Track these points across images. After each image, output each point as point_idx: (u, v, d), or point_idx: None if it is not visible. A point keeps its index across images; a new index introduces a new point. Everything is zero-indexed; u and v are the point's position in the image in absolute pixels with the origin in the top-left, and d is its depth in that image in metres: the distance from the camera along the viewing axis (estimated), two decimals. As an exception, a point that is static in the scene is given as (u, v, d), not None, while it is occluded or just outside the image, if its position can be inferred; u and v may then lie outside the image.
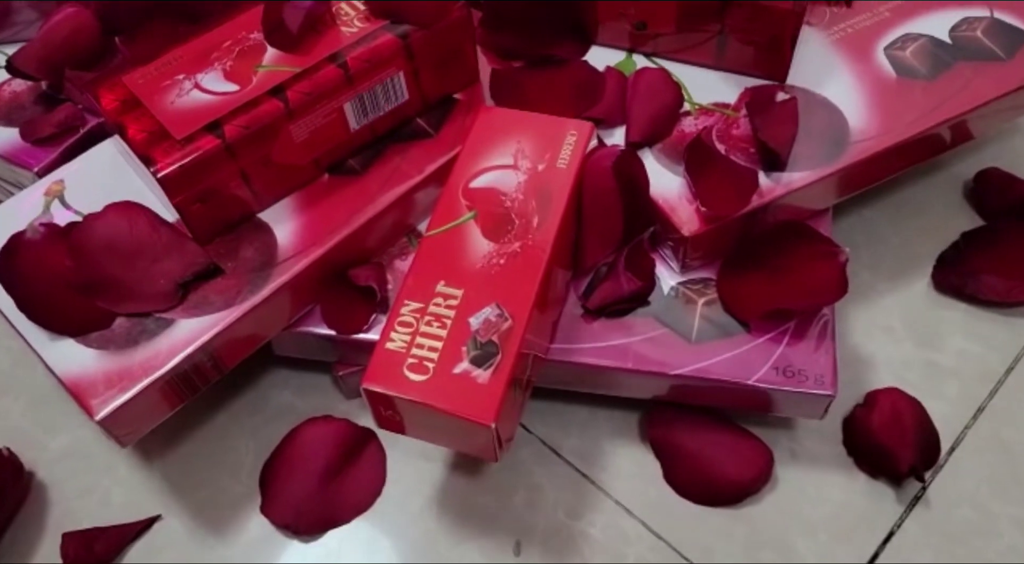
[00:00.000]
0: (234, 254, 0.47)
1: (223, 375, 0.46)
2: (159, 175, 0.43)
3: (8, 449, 0.49)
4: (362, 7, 0.48)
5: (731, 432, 0.49)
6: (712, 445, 0.48)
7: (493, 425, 0.39)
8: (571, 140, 0.46)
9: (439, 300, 0.42)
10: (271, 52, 0.47)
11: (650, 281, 0.48)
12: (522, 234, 0.44)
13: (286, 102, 0.45)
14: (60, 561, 0.47)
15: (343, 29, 0.47)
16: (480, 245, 0.43)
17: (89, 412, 0.42)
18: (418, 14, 0.47)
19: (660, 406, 0.49)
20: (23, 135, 0.52)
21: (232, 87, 0.45)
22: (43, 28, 0.53)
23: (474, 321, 0.41)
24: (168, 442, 0.52)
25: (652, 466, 0.49)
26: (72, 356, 0.43)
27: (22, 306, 0.44)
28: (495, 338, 0.41)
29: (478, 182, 0.46)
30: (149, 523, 0.49)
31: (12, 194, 0.55)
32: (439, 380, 0.40)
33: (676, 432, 0.49)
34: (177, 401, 0.45)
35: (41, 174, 0.51)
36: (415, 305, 0.42)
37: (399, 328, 0.41)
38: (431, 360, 0.40)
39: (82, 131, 0.52)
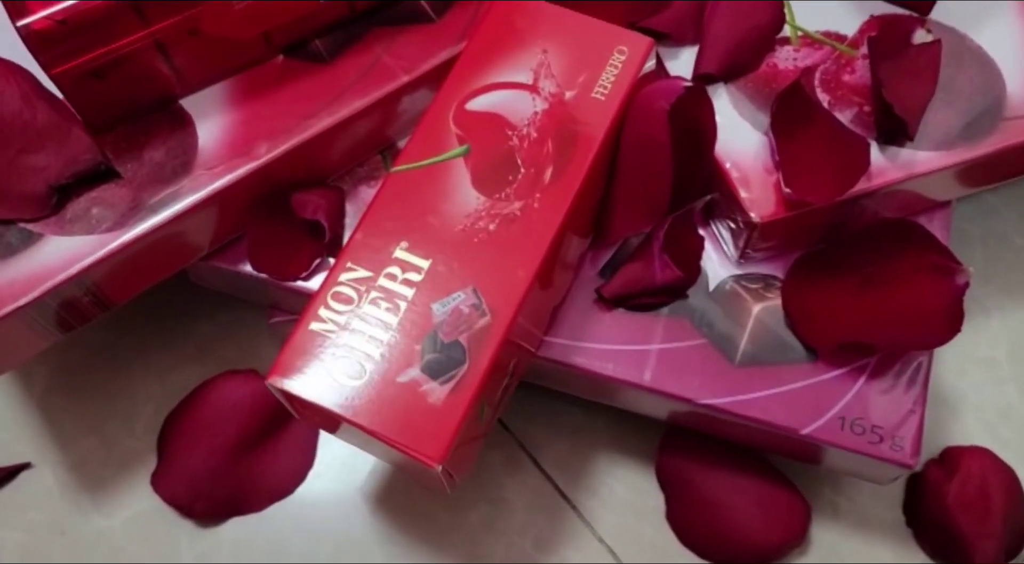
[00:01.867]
0: (136, 153, 0.34)
1: (108, 311, 0.35)
2: (28, 29, 0.30)
3: None
4: None
5: (762, 476, 0.37)
6: (735, 490, 0.37)
7: (439, 467, 0.28)
8: (618, 60, 0.33)
9: (395, 270, 0.30)
10: None
11: (694, 270, 0.35)
12: (526, 190, 0.31)
13: (224, -52, 0.31)
14: None
15: None
16: (466, 197, 0.31)
17: (-95, 351, 0.31)
18: None
19: (678, 426, 0.38)
20: None
21: (151, -86, 0.32)
22: None
23: (438, 309, 0.29)
24: (54, 370, 0.41)
25: (654, 498, 0.38)
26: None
27: None
28: (463, 339, 0.29)
29: (478, 103, 0.33)
30: (15, 471, 0.39)
31: None
32: (376, 389, 0.28)
33: (692, 464, 0.38)
34: (41, 341, 0.34)
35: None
36: (360, 272, 0.30)
37: (333, 302, 0.29)
38: (369, 357, 0.29)
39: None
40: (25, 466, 0.39)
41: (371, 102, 0.35)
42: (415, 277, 0.30)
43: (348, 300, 0.29)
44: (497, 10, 0.34)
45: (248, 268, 0.36)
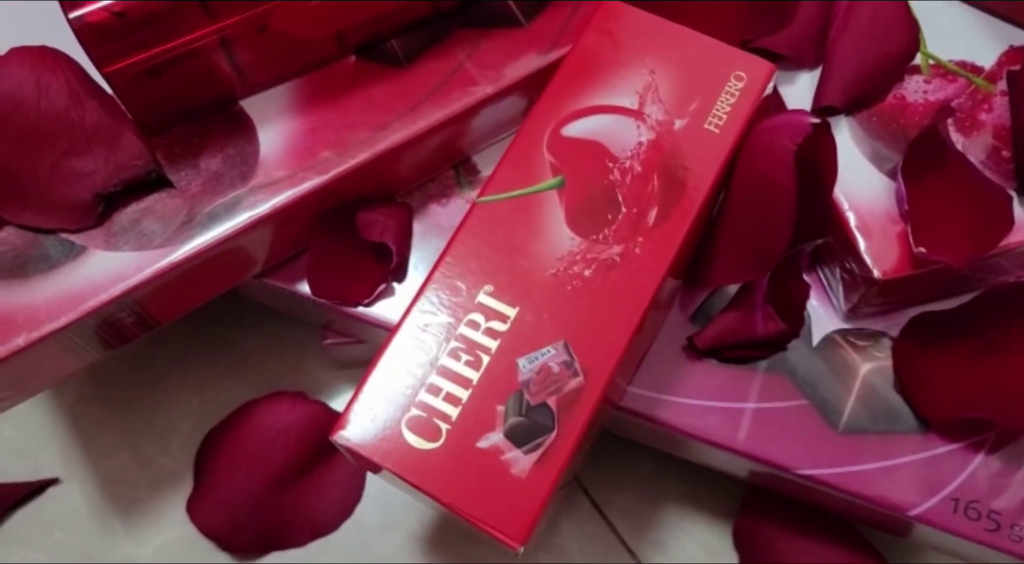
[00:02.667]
0: (191, 160, 0.31)
1: (151, 331, 0.32)
2: (81, 23, 0.27)
3: None
4: None
5: (848, 545, 0.34)
6: (821, 559, 0.34)
7: (521, 549, 0.25)
8: (735, 87, 0.29)
9: (478, 317, 0.27)
10: None
11: (798, 321, 0.32)
12: (627, 233, 0.27)
13: (303, -62, 0.28)
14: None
15: None
16: (559, 237, 0.27)
17: (-66, 371, 0.28)
18: None
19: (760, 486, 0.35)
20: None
21: None
22: None
23: (525, 366, 0.26)
24: (87, 378, 0.38)
25: (728, 559, 0.35)
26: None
27: None
28: (552, 402, 0.26)
29: (576, 128, 0.29)
30: (41, 487, 0.36)
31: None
32: (453, 456, 0.25)
33: (775, 527, 0.34)
34: (74, 363, 0.31)
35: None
36: (440, 317, 0.27)
37: (408, 349, 0.26)
38: (446, 417, 0.25)
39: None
40: (52, 482, 0.36)
41: (451, 115, 0.32)
42: (500, 326, 0.26)
43: (425, 349, 0.26)
44: (598, 20, 0.31)
45: (305, 288, 0.33)
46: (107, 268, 0.29)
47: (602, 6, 0.31)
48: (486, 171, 0.35)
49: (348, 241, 0.32)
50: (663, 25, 0.31)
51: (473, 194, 0.35)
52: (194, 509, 0.35)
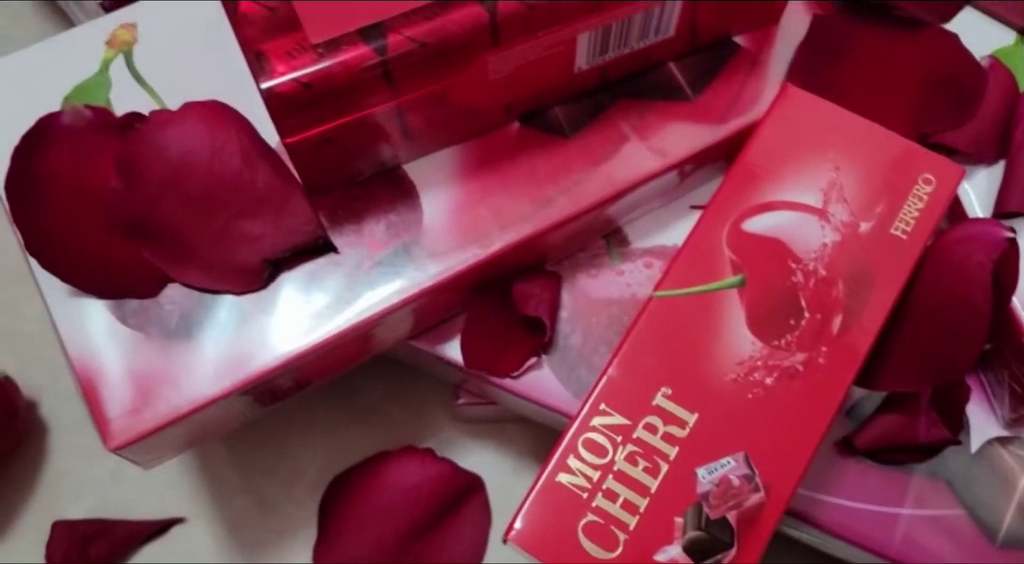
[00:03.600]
0: (355, 224, 0.31)
1: (302, 391, 0.32)
2: (271, 92, 0.26)
3: (7, 377, 0.36)
4: None
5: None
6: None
7: None
8: (923, 191, 0.28)
9: (655, 420, 0.26)
10: (489, -82, 0.28)
11: (958, 426, 0.31)
12: (811, 340, 0.27)
13: (494, 13, 0.27)
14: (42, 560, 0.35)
15: (612, -94, 0.28)
16: (739, 340, 0.27)
17: (103, 433, 0.28)
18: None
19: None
20: (95, -62, 0.35)
21: (416, -33, 0.27)
22: None
23: (704, 477, 0.26)
24: (214, 412, 0.38)
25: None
26: (95, 331, 0.29)
27: (32, 237, 0.29)
28: (732, 516, 0.25)
29: (758, 224, 0.28)
30: (166, 525, 0.37)
31: (72, 24, 0.39)
32: (629, 566, 0.25)
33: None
34: (230, 422, 0.31)
35: (108, 7, 0.34)
36: (616, 419, 0.26)
37: (584, 451, 0.26)
38: (624, 525, 0.25)
39: (180, -48, 0.35)
40: (178, 521, 0.37)
41: (614, 192, 0.31)
42: (678, 432, 0.26)
43: (601, 451, 0.26)
44: (779, 107, 0.30)
45: (447, 351, 0.33)
46: (271, 334, 0.29)
47: (783, 92, 0.30)
48: (636, 242, 0.34)
49: (502, 313, 0.32)
50: (846, 117, 0.30)
51: (623, 266, 0.34)
52: (321, 557, 0.35)
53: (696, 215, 0.34)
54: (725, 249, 0.28)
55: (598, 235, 0.34)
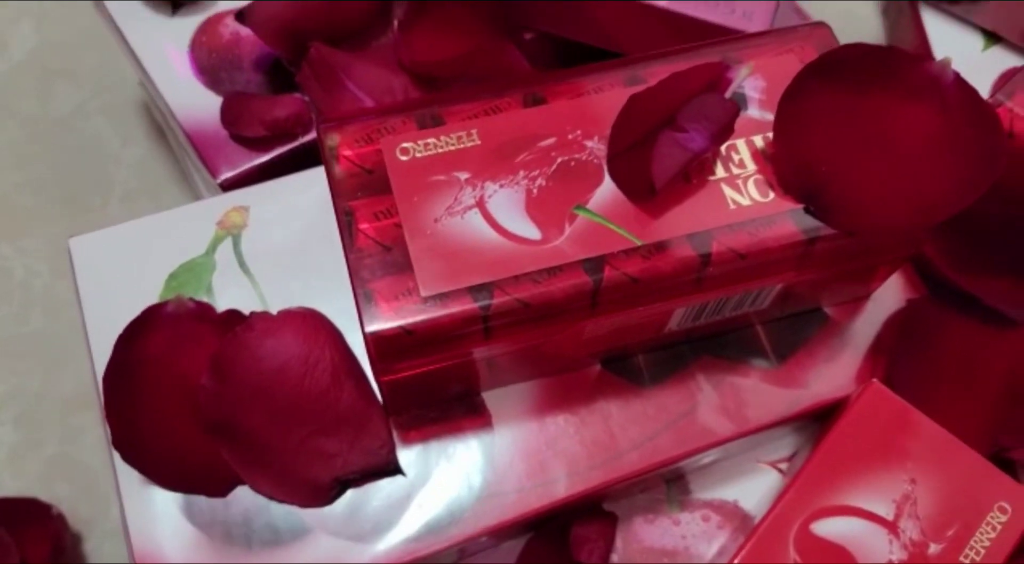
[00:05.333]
0: (422, 444, 0.31)
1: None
2: (375, 335, 0.27)
3: (60, 514, 0.37)
4: (755, 168, 0.29)
5: None
6: None
7: None
8: (997, 520, 0.28)
9: None
10: (606, 187, 0.29)
11: None
12: (867, 666, 0.27)
13: (598, 286, 0.28)
14: None
15: (727, 192, 0.29)
16: (796, 653, 0.27)
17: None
18: (867, 227, 0.29)
19: None
20: (224, 116, 0.36)
21: (531, 231, 0.28)
22: (305, -25, 0.36)
23: None
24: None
25: None
26: (160, 521, 0.29)
27: (120, 430, 0.29)
28: None
29: (827, 527, 0.28)
30: None
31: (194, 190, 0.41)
32: None
33: None
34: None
35: (227, 187, 0.36)
36: None
37: None
38: None
39: (301, 141, 0.37)
40: None
41: (684, 454, 0.32)
42: None
43: None
44: (863, 404, 0.30)
45: (499, 584, 0.33)
46: (329, 552, 0.29)
47: (868, 389, 0.30)
48: (697, 492, 0.34)
49: (557, 554, 0.32)
50: (927, 426, 0.30)
51: (681, 515, 0.34)
52: None
53: (762, 471, 0.34)
54: (792, 551, 0.28)
55: (661, 480, 0.34)
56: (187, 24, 0.38)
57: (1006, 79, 0.39)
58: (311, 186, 0.35)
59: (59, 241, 0.45)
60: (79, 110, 0.48)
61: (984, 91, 0.38)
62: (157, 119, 0.46)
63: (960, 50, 0.39)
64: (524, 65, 0.37)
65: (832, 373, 0.33)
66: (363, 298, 0.27)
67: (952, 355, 0.33)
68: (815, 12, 0.42)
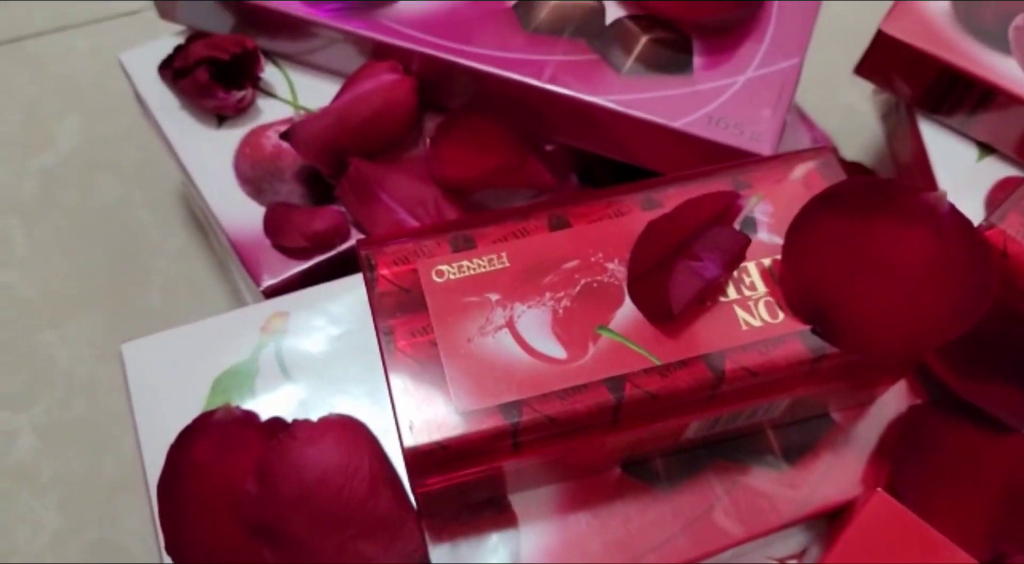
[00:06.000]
0: (450, 543, 0.33)
1: None
2: (413, 450, 0.29)
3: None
4: (764, 290, 0.32)
5: None
6: None
7: None
8: (997, 627, 0.30)
9: None
10: (627, 308, 0.31)
11: None
12: None
13: (619, 402, 0.30)
14: None
15: (739, 313, 0.31)
16: None
17: None
18: (874, 353, 0.31)
19: None
20: (267, 226, 0.39)
21: (558, 351, 0.31)
22: (344, 96, 0.39)
23: None
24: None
25: None
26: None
27: (173, 537, 0.32)
28: None
29: (836, 634, 0.30)
30: None
31: (228, 282, 0.43)
32: None
33: None
34: None
35: (269, 293, 0.38)
36: None
37: None
38: None
39: (340, 248, 0.39)
40: None
41: (701, 555, 0.33)
42: None
43: None
44: (867, 512, 0.32)
45: None
46: (364, 652, 0.31)
47: (872, 498, 0.32)
48: (712, 588, 0.36)
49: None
50: (930, 537, 0.31)
51: (696, 611, 0.36)
52: None
53: (771, 569, 0.36)
54: (802, 655, 0.30)
55: (676, 576, 0.36)
56: (231, 136, 0.41)
57: (1001, 189, 0.41)
58: (347, 292, 0.37)
59: (101, 329, 0.48)
60: (122, 202, 0.51)
61: (979, 199, 0.41)
62: (196, 213, 0.49)
63: (956, 160, 0.42)
64: (547, 177, 0.40)
65: (838, 476, 0.35)
66: (407, 425, 0.30)
67: (952, 460, 0.35)
68: (818, 110, 0.44)
